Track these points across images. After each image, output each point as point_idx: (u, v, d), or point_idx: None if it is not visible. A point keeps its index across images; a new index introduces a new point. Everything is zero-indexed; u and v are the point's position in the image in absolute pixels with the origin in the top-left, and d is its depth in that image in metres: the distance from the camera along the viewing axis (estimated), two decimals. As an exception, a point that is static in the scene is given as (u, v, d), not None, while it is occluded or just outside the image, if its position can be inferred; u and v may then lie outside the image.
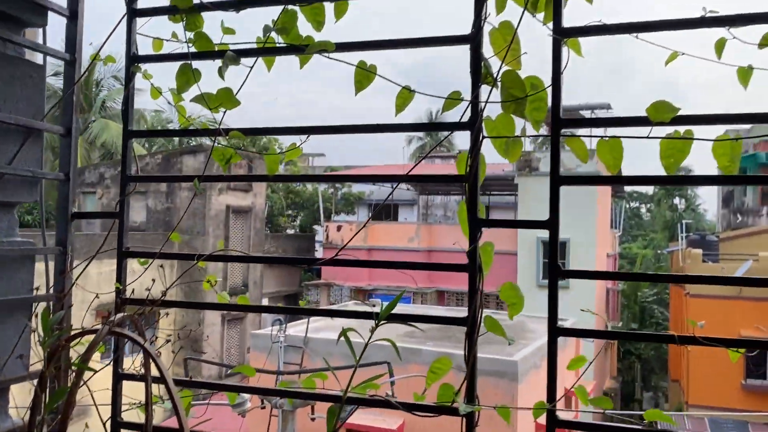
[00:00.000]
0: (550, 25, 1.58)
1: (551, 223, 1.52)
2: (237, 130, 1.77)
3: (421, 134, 45.94)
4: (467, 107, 1.59)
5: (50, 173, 1.90)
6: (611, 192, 29.11)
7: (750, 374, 21.57)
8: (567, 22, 1.56)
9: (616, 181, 1.51)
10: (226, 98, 1.75)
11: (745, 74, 1.51)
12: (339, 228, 28.65)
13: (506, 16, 1.64)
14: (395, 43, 1.66)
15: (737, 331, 20.93)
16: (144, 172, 24.29)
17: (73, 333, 1.52)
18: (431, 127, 1.70)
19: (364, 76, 1.63)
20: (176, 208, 24.78)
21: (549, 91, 1.55)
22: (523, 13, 1.58)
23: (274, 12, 1.79)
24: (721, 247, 27.30)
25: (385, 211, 33.15)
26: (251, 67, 1.80)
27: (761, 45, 1.45)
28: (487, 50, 1.63)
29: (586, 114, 27.48)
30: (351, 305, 20.74)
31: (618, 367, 32.53)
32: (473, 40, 1.59)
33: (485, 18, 1.59)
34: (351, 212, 32.98)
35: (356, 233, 2.22)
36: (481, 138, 1.56)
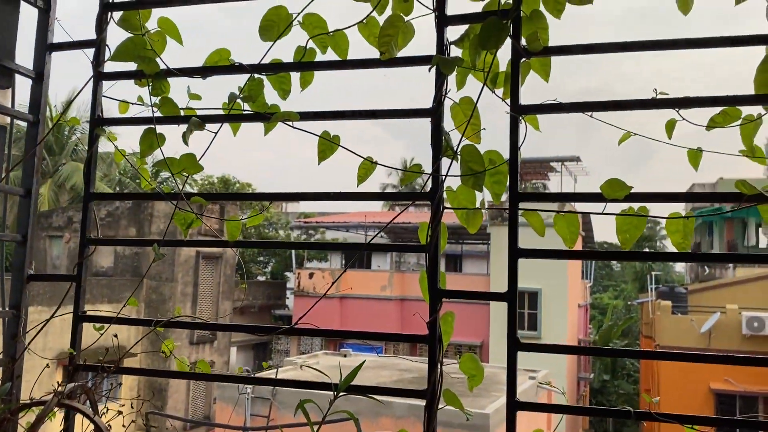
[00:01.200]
0: (509, 101, 1.63)
1: (510, 296, 1.54)
2: (199, 196, 1.76)
3: (394, 182, 46.36)
4: (428, 179, 1.62)
5: (7, 235, 1.87)
6: (582, 243, 29.48)
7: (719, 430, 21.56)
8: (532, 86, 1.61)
9: (574, 255, 1.54)
10: (190, 163, 1.75)
11: (695, 156, 1.57)
12: (311, 275, 28.45)
13: (466, 91, 1.68)
14: (358, 114, 1.69)
15: (707, 384, 21.03)
16: (114, 216, 23.90)
17: (21, 404, 1.48)
18: (394, 197, 1.72)
19: (328, 146, 1.65)
20: (145, 253, 24.41)
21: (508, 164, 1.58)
22: (482, 89, 1.62)
23: (241, 78, 1.82)
24: (689, 299, 27.64)
25: (358, 258, 33.07)
26: (215, 133, 1.81)
27: (709, 127, 1.50)
28: (449, 123, 1.66)
29: (556, 165, 27.99)
30: (321, 355, 20.45)
31: (590, 419, 32.34)
32: (434, 114, 1.62)
33: (446, 93, 1.63)
34: (324, 259, 32.83)
35: (330, 285, 2.20)
36: (441, 209, 1.58)
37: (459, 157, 1.58)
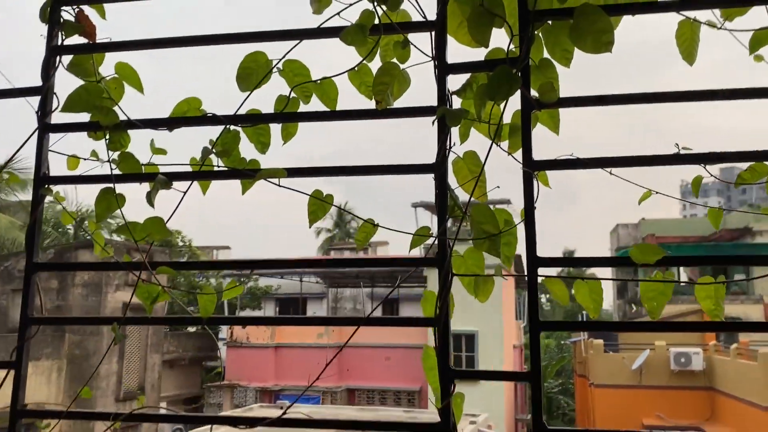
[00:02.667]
0: (517, 155, 1.49)
1: (534, 376, 1.36)
2: (166, 265, 1.53)
3: (329, 225, 45.98)
4: (434, 241, 1.45)
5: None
6: (515, 283, 29.84)
7: (656, 465, 21.89)
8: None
9: (598, 327, 1.39)
10: (156, 228, 1.52)
11: (715, 216, 1.46)
12: (244, 325, 27.58)
13: (470, 144, 1.53)
14: (356, 170, 1.51)
15: (640, 420, 21.39)
16: (34, 268, 22.56)
17: None
18: (399, 263, 1.54)
19: (320, 206, 1.46)
20: (68, 306, 23.15)
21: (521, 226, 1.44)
22: (491, 145, 1.47)
23: (212, 131, 1.61)
24: (620, 337, 28.28)
25: (293, 306, 32.38)
26: (184, 193, 1.59)
27: (737, 184, 1.40)
28: (452, 179, 1.51)
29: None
30: (257, 408, 19.69)
31: (529, 460, 32.29)
32: (438, 169, 1.46)
33: (450, 147, 1.48)
34: (257, 307, 31.97)
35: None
36: (450, 278, 1.41)
37: (468, 217, 1.42)
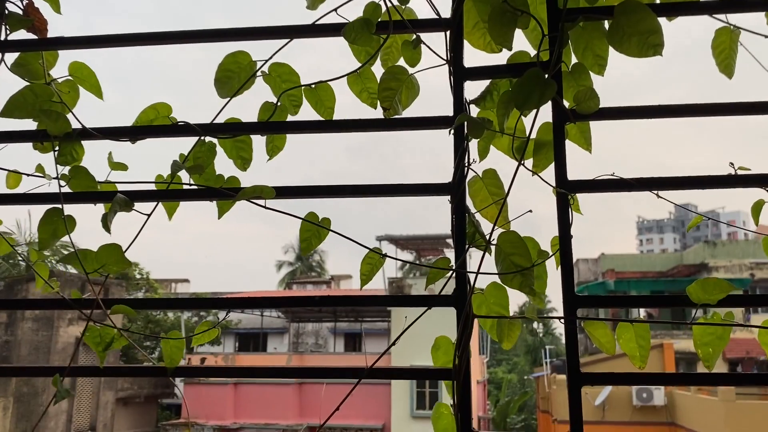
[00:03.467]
0: (546, 175, 1.27)
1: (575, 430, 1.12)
2: (123, 303, 1.26)
3: (291, 258, 45.26)
4: (451, 274, 1.21)
5: None
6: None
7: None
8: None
9: (650, 380, 1.16)
10: (112, 258, 1.25)
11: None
12: (202, 360, 26.77)
13: (486, 162, 1.31)
14: (359, 190, 1.27)
15: (603, 457, 21.23)
16: (-20, 301, 21.59)
17: None
18: (414, 301, 1.28)
19: (314, 232, 1.21)
20: (17, 342, 22.13)
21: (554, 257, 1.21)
22: (519, 165, 1.25)
23: (184, 143, 1.36)
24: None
25: (253, 341, 31.59)
26: (148, 216, 1.33)
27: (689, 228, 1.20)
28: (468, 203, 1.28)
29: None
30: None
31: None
32: (455, 190, 1.23)
33: (469, 163, 1.25)
34: (216, 343, 31.08)
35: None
36: (471, 319, 1.17)
37: (492, 248, 1.19)
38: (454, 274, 1.19)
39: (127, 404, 26.60)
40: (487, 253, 1.19)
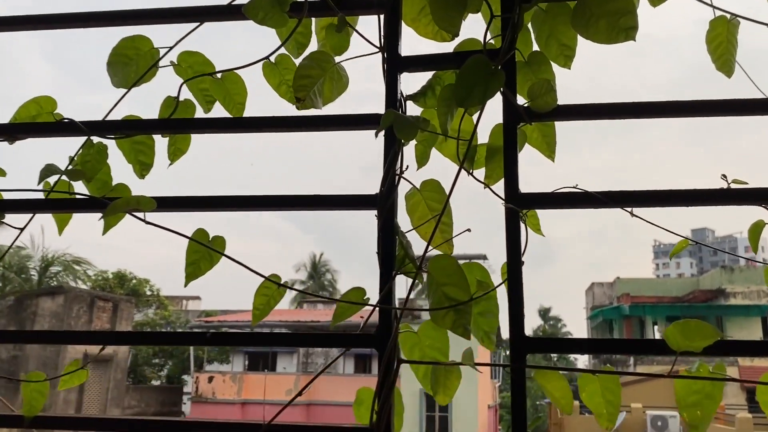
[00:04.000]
0: (496, 187, 1.04)
1: None
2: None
3: (303, 277, 45.03)
4: (373, 311, 0.97)
5: None
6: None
7: None
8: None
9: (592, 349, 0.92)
10: None
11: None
12: (210, 379, 26.52)
13: (431, 171, 1.08)
14: (270, 202, 1.04)
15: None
16: (-13, 315, 21.60)
17: None
18: (327, 340, 1.05)
19: (204, 255, 0.99)
20: (25, 356, 22.02)
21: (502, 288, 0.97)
22: (459, 173, 1.02)
23: (72, 143, 1.14)
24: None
25: (262, 360, 31.29)
26: (22, 229, 1.11)
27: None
28: (404, 219, 1.05)
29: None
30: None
31: None
32: (381, 203, 1.00)
33: (401, 172, 1.02)
34: (225, 361, 30.82)
35: None
36: (396, 366, 0.93)
37: (425, 275, 0.95)
38: (376, 309, 0.96)
39: (133, 422, 26.34)
40: (416, 280, 0.96)
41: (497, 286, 0.96)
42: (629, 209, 0.98)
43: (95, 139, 1.12)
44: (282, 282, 0.96)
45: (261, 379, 27.18)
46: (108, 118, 1.13)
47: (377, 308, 0.94)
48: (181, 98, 1.14)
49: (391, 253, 0.98)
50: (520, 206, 0.97)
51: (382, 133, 1.02)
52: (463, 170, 1.03)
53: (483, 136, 1.10)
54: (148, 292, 31.13)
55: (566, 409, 0.91)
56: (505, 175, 1.00)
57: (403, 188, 1.05)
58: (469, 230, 0.98)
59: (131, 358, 27.60)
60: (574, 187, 0.98)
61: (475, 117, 1.03)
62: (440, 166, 1.13)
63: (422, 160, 1.08)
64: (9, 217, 1.11)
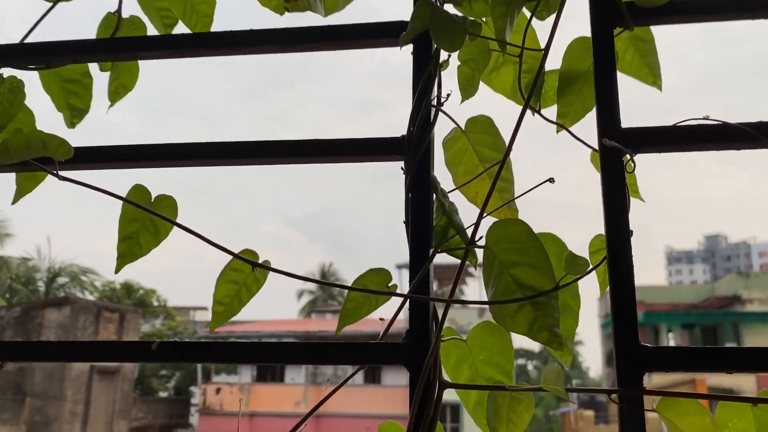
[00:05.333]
0: (582, 132, 0.70)
1: None
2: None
3: (313, 287, 44.59)
4: (401, 307, 0.64)
5: None
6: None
7: None
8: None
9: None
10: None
11: None
12: (218, 390, 26.16)
13: (480, 104, 0.75)
14: (249, 152, 0.71)
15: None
16: (-6, 327, 21.49)
17: None
18: (342, 354, 0.72)
19: (144, 225, 0.66)
20: (31, 368, 21.75)
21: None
22: (525, 107, 0.69)
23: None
24: (609, 407, 27.18)
25: (270, 371, 30.91)
26: None
27: None
28: (444, 174, 0.72)
29: (473, 270, 27.42)
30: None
31: None
32: (412, 150, 0.67)
33: (438, 104, 0.69)
34: (233, 372, 30.43)
35: None
36: (437, 392, 0.59)
37: (479, 253, 0.62)
38: (407, 303, 0.62)
39: (142, 435, 26.06)
40: (470, 264, 0.62)
41: (596, 266, 0.62)
42: (792, 150, 0.65)
43: (6, 71, 0.80)
44: (259, 263, 0.62)
45: (269, 390, 26.86)
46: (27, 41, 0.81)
47: (407, 302, 0.61)
48: (128, 15, 0.81)
49: (425, 221, 0.65)
50: (625, 144, 0.63)
51: (409, 47, 0.69)
52: (529, 104, 0.69)
53: (552, 62, 0.77)
54: (156, 303, 30.89)
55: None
56: (598, 103, 0.66)
57: (440, 131, 0.72)
58: (551, 180, 0.65)
59: (138, 369, 27.29)
60: (704, 118, 0.64)
61: (547, 25, 0.70)
62: (486, 106, 0.79)
63: (468, 88, 0.75)
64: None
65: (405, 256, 0.65)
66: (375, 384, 29.24)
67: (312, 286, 44.33)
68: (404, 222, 0.66)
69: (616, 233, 0.63)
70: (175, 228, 0.66)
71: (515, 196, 0.70)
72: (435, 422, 0.58)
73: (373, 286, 0.62)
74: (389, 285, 0.63)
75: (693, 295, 36.20)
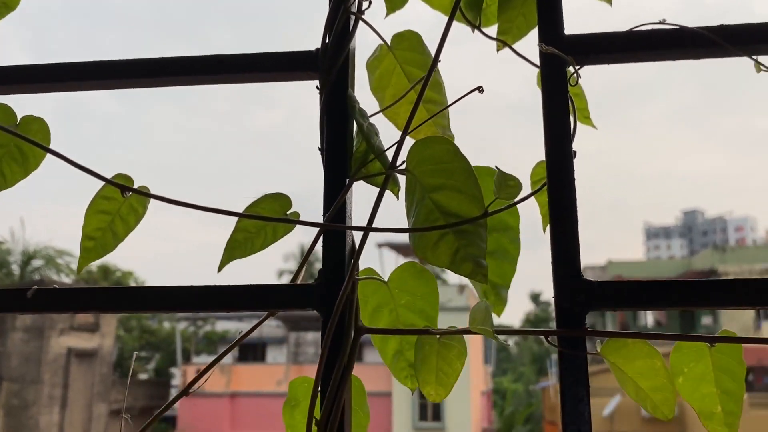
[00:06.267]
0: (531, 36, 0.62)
1: None
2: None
3: (292, 267, 44.42)
4: (316, 240, 0.55)
5: None
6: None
7: None
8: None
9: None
10: None
11: None
12: (199, 371, 26.10)
13: (400, 18, 0.66)
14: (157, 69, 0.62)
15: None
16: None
17: None
18: (242, 299, 0.63)
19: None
20: (7, 353, 21.49)
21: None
22: (451, 18, 0.60)
23: None
24: (590, 382, 27.55)
25: (252, 352, 30.87)
26: None
27: None
28: (366, 96, 0.63)
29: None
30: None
31: None
32: (327, 65, 0.58)
33: (359, 11, 0.60)
34: (213, 353, 30.36)
35: None
36: (352, 337, 0.51)
37: (401, 180, 0.53)
38: (321, 236, 0.54)
39: (122, 418, 26.00)
40: (391, 193, 0.54)
41: (535, 192, 0.54)
42: (755, 57, 0.57)
43: None
44: (132, 188, 0.53)
45: (250, 370, 26.87)
46: None
47: (321, 234, 0.52)
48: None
49: (342, 145, 0.56)
50: (567, 51, 0.55)
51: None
52: (458, 9, 0.61)
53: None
54: (133, 284, 30.63)
55: (664, 410, 0.49)
56: (539, 8, 0.58)
57: (363, 53, 0.63)
58: (480, 89, 0.56)
59: (117, 351, 27.12)
60: (660, 22, 0.56)
61: None
62: (418, 23, 0.70)
63: (395, 3, 0.66)
64: None
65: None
66: (359, 362, 29.32)
67: (292, 266, 44.12)
68: (319, 149, 0.57)
69: (557, 156, 0.54)
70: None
71: (448, 123, 0.62)
72: (349, 371, 0.50)
73: (268, 214, 0.54)
74: (288, 213, 0.54)
75: (670, 269, 36.75)
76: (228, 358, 30.22)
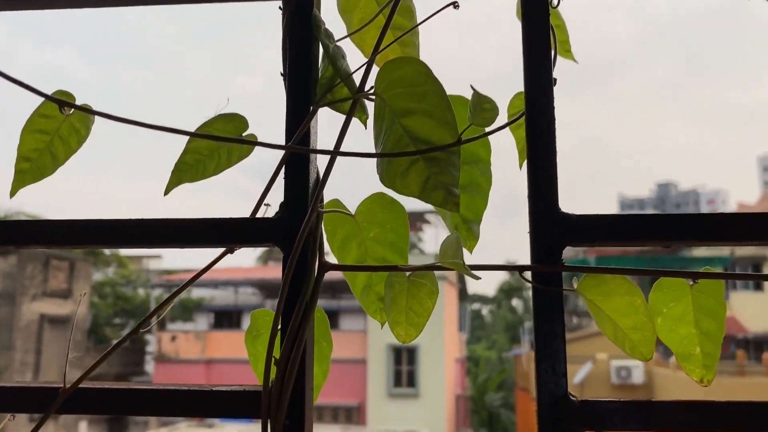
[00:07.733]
0: None
1: None
2: None
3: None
4: (278, 169, 0.52)
5: None
6: (457, 295, 29.10)
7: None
8: None
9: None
10: None
11: None
12: (174, 338, 26.04)
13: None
14: None
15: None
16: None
17: None
18: (199, 233, 0.59)
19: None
20: (-22, 318, 21.21)
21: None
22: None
23: None
24: (561, 350, 28.00)
25: (227, 318, 30.84)
26: None
27: None
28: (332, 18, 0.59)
29: (430, 217, 27.54)
30: (183, 428, 18.49)
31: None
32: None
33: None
34: (189, 320, 30.27)
35: None
36: (316, 272, 0.48)
37: (369, 107, 0.50)
38: (283, 165, 0.50)
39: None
40: (358, 120, 0.50)
41: (512, 121, 0.51)
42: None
43: None
44: (73, 103, 0.49)
45: (225, 337, 26.87)
46: None
47: (284, 163, 0.48)
48: None
49: (306, 69, 0.52)
50: None
51: None
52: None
53: None
54: (107, 252, 30.28)
55: (643, 350, 0.47)
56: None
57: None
58: (455, 5, 0.52)
59: (91, 318, 26.94)
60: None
61: None
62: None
63: None
64: None
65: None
66: (334, 329, 29.41)
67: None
68: (281, 74, 0.53)
69: (536, 83, 0.51)
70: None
71: (418, 50, 0.58)
72: (311, 309, 0.47)
73: (222, 134, 0.50)
74: (244, 134, 0.50)
75: (642, 240, 37.25)
76: (204, 325, 30.15)
